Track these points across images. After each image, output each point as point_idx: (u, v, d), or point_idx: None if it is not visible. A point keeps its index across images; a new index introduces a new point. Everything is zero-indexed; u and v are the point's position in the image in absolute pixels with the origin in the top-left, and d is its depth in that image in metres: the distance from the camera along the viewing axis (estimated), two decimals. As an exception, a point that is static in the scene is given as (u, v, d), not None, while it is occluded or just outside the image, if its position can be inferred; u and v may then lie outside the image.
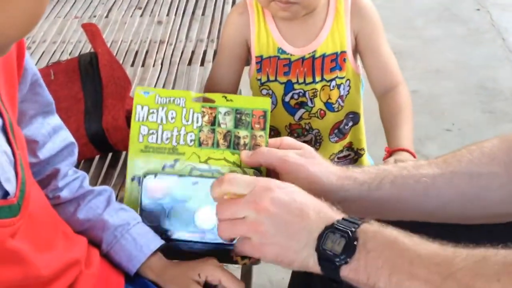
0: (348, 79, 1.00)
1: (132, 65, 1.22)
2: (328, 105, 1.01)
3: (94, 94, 0.91)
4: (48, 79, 0.90)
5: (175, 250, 0.71)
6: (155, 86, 1.14)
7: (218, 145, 0.73)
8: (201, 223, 0.69)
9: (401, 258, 0.53)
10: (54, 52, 1.25)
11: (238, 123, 0.73)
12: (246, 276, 0.97)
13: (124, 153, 0.95)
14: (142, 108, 0.72)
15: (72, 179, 0.69)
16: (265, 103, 0.73)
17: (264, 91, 1.02)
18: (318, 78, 0.99)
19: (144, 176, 0.70)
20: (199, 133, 0.73)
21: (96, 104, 0.90)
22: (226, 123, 0.72)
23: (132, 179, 0.71)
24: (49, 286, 0.55)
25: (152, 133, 0.72)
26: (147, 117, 0.72)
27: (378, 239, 0.55)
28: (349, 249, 0.54)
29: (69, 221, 0.65)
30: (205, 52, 1.24)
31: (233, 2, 1.43)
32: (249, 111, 0.73)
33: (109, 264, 0.65)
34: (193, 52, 1.24)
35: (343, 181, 0.67)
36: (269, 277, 1.31)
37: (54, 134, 0.69)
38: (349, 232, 0.55)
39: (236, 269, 0.86)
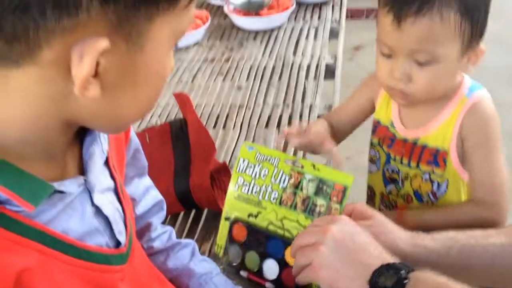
0: (446, 179, 0.95)
1: (214, 127, 1.33)
2: (417, 194, 0.98)
3: (183, 157, 1.01)
4: (144, 142, 1.02)
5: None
6: (234, 147, 1.24)
7: (295, 208, 0.81)
8: (266, 271, 0.81)
9: None
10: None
11: (318, 191, 0.80)
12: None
13: (206, 210, 1.05)
14: (244, 161, 0.84)
15: (162, 232, 0.79)
16: (347, 180, 0.79)
17: (373, 152, 1.04)
18: (413, 164, 0.96)
19: (234, 220, 0.81)
20: (282, 193, 0.82)
21: (185, 166, 1.01)
22: (308, 189, 0.81)
23: (226, 219, 0.83)
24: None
25: (246, 185, 0.83)
26: (245, 170, 0.84)
27: (428, 283, 0.60)
28: (399, 285, 0.59)
29: (160, 269, 0.74)
30: (280, 116, 1.33)
31: (307, 69, 1.53)
32: (331, 183, 0.80)
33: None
34: (269, 116, 1.34)
35: (412, 248, 0.72)
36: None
37: (147, 193, 0.80)
38: (402, 272, 0.60)
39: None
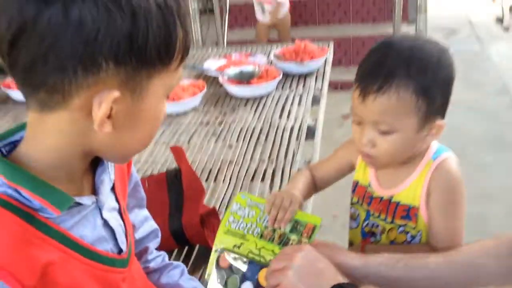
0: (420, 230, 1.05)
1: (207, 180, 1.49)
2: (393, 243, 1.08)
3: (176, 199, 1.18)
4: (144, 187, 1.19)
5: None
6: (223, 196, 1.41)
7: (273, 241, 0.99)
8: None
9: None
10: (146, 169, 1.57)
11: (293, 229, 1.00)
12: None
13: (197, 246, 1.20)
14: (237, 204, 1.04)
15: (157, 255, 0.96)
16: (317, 221, 1.01)
17: (353, 210, 1.15)
18: (389, 219, 1.07)
19: (222, 251, 0.98)
20: (264, 230, 1.00)
21: (177, 207, 1.17)
22: (286, 228, 1.00)
23: (215, 250, 1.00)
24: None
25: (235, 222, 1.02)
26: (237, 211, 1.03)
27: None
28: None
29: (155, 285, 0.90)
30: (265, 171, 1.51)
31: (291, 130, 1.72)
32: (304, 223, 1.01)
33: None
34: (255, 170, 1.51)
35: (363, 263, 0.89)
36: None
37: (145, 222, 0.96)
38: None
39: None
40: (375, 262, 0.89)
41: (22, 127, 0.68)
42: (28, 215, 0.63)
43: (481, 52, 4.85)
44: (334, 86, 4.13)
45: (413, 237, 1.06)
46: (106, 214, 0.73)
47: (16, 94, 2.07)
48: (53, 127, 0.64)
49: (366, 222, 1.13)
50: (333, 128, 3.47)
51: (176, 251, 1.21)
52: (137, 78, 0.62)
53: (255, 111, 1.90)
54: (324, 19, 4.81)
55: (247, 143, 1.68)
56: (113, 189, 0.78)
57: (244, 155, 1.60)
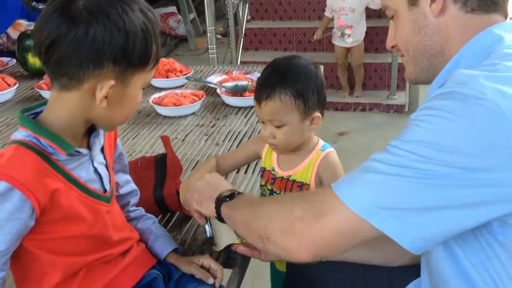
0: None
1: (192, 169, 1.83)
2: None
3: (161, 176, 1.51)
4: (136, 165, 1.53)
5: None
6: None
7: None
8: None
9: (245, 205, 1.13)
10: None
11: None
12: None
13: (177, 213, 1.52)
14: None
15: (136, 209, 1.28)
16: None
17: (261, 191, 1.48)
18: (287, 193, 1.39)
19: None
20: None
21: (161, 181, 1.50)
22: None
23: None
24: (114, 247, 1.11)
25: None
26: None
27: (246, 197, 1.17)
28: (231, 197, 1.13)
29: (134, 228, 1.23)
30: (248, 165, 1.81)
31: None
32: None
33: (148, 251, 1.21)
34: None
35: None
36: None
37: (127, 183, 1.27)
38: (234, 193, 1.16)
39: None
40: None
41: (42, 103, 1.03)
42: (44, 156, 0.96)
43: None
44: (335, 108, 4.45)
45: None
46: (96, 164, 1.07)
47: (47, 94, 2.44)
48: (67, 102, 0.98)
49: None
50: (329, 143, 3.76)
51: (159, 217, 1.53)
52: (126, 74, 0.97)
53: (244, 118, 2.23)
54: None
55: (231, 142, 2.00)
56: (102, 150, 1.11)
57: (228, 151, 1.92)
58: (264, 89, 1.29)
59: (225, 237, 1.27)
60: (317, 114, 1.34)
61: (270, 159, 1.45)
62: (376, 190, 0.89)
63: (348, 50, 4.55)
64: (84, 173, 1.04)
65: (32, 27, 3.35)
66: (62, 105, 0.99)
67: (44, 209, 0.94)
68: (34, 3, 3.80)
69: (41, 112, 1.02)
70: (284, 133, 1.32)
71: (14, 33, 3.42)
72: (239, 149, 1.59)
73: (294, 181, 1.39)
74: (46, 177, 0.95)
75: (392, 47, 1.12)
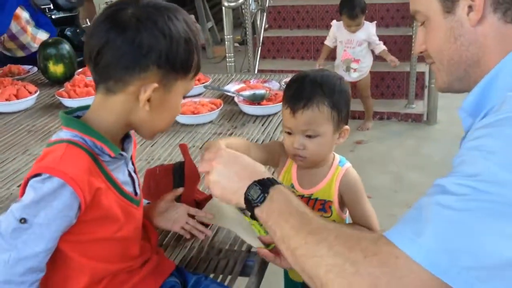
0: (333, 220, 1.36)
1: (211, 177, 1.84)
2: None
3: (178, 183, 1.52)
4: (155, 172, 1.54)
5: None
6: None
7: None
8: None
9: (288, 209, 0.95)
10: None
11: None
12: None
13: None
14: None
15: None
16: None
17: None
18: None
19: None
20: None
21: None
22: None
23: None
24: (136, 258, 1.12)
25: None
26: None
27: (281, 196, 0.97)
28: (261, 197, 0.98)
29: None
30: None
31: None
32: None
33: (166, 259, 1.22)
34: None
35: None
36: None
37: None
38: (265, 187, 0.98)
39: None
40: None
41: (82, 108, 1.06)
42: (92, 155, 0.99)
43: None
44: (353, 116, 4.44)
45: None
46: (129, 168, 1.10)
47: (66, 101, 2.48)
48: (112, 105, 1.01)
49: None
50: (346, 152, 3.77)
51: (176, 224, 1.54)
52: (168, 78, 1.01)
53: (262, 126, 2.24)
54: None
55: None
56: (130, 157, 1.13)
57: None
58: (300, 98, 1.28)
59: (248, 239, 1.27)
60: (346, 127, 1.34)
61: (289, 175, 1.43)
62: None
63: (353, 83, 4.29)
64: (121, 176, 1.07)
65: (45, 37, 3.35)
66: (106, 108, 1.02)
67: (86, 207, 0.97)
68: (54, 11, 3.83)
69: (80, 116, 1.05)
70: (316, 144, 1.30)
71: (14, 27, 3.31)
72: (262, 146, 1.52)
73: (316, 199, 1.39)
74: (92, 176, 0.98)
75: (421, 52, 1.06)
